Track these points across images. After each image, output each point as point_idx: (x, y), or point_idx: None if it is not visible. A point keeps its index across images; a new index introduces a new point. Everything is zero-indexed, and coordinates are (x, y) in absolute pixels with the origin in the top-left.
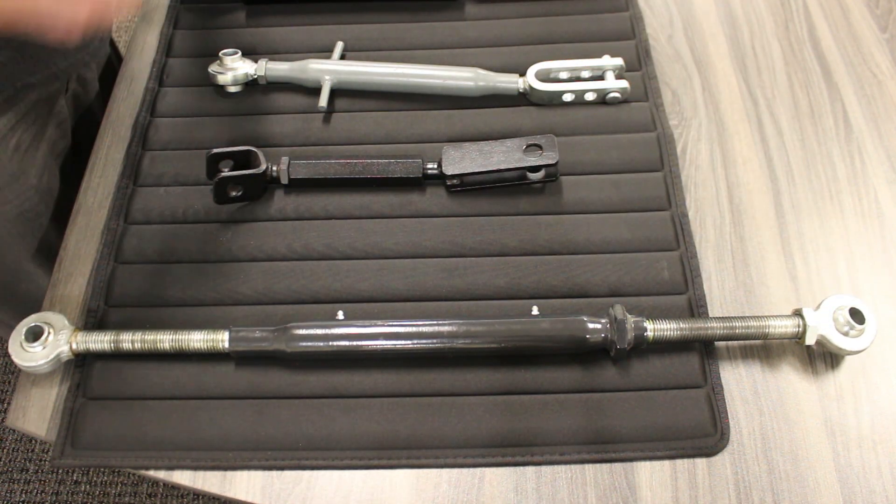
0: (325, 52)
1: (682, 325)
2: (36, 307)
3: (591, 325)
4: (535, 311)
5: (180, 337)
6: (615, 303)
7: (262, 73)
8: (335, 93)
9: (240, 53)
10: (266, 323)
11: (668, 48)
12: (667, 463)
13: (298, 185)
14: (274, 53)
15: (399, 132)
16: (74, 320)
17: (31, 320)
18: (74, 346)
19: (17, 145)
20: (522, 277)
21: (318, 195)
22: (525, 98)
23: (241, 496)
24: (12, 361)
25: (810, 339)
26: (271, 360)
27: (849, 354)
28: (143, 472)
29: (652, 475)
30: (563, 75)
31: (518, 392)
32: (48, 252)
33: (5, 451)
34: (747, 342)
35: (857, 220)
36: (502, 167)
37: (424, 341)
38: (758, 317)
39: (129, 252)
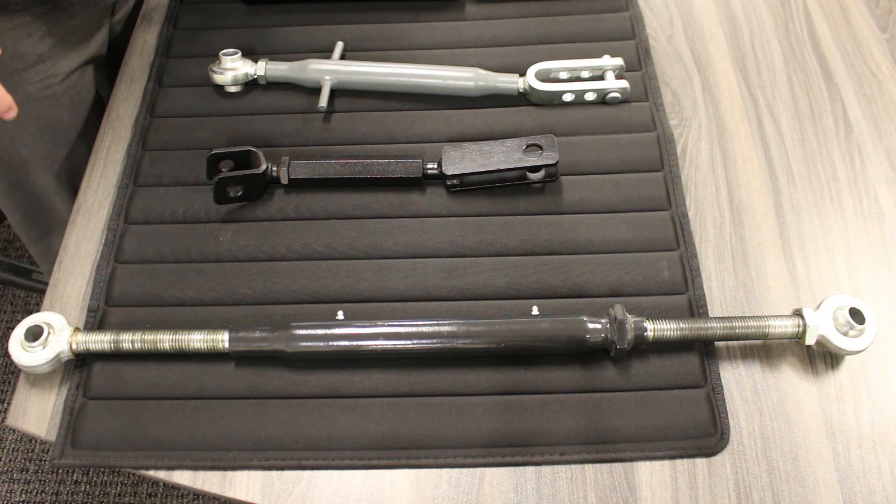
0: (325, 52)
1: (682, 325)
2: (61, 227)
3: (591, 325)
4: (535, 311)
5: (180, 337)
6: (615, 303)
7: (262, 73)
8: (335, 93)
9: (240, 53)
10: (266, 323)
11: (668, 48)
12: (667, 463)
13: (298, 185)
14: (274, 53)
15: (399, 132)
16: (74, 320)
17: (30, 320)
18: (74, 346)
19: (49, 32)
20: (522, 277)
21: (318, 195)
22: (525, 98)
23: (241, 496)
24: (12, 361)
25: (810, 339)
26: (271, 360)
27: (849, 354)
28: (143, 472)
29: (652, 475)
30: (563, 75)
31: (518, 392)
32: (74, 174)
33: (5, 451)
34: (747, 342)
35: (857, 220)
36: (502, 167)
37: (424, 341)
38: (758, 317)
39: (129, 252)
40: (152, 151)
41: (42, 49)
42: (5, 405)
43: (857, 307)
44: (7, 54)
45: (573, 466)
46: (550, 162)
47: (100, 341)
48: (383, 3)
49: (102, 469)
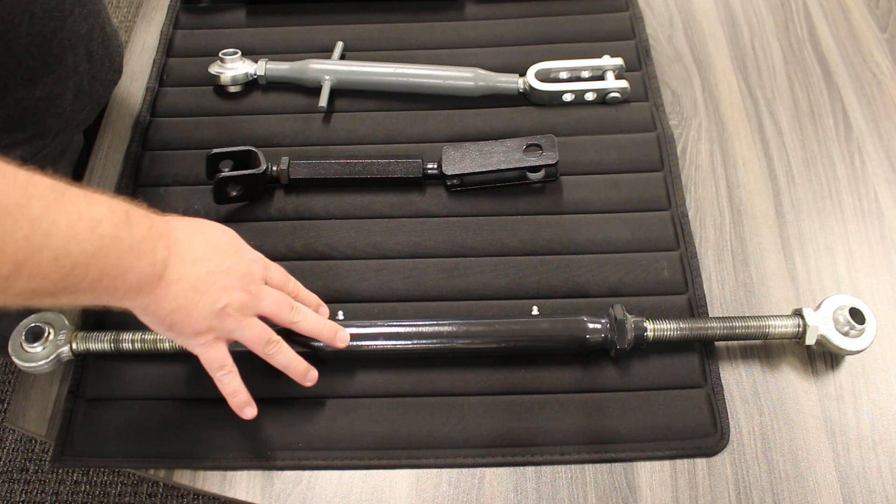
0: (325, 52)
1: (682, 325)
2: None
3: (591, 326)
4: (535, 311)
5: None
6: (615, 303)
7: (262, 73)
8: (335, 93)
9: (240, 53)
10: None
11: (668, 48)
12: (667, 463)
13: (298, 185)
14: (274, 53)
15: (399, 132)
16: (74, 320)
17: (31, 320)
18: (74, 347)
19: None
20: (522, 277)
21: (318, 195)
22: (525, 98)
23: (241, 496)
24: (12, 361)
25: (810, 339)
26: None
27: (849, 354)
28: (143, 472)
29: (652, 475)
30: (563, 75)
31: (518, 392)
32: None
33: (5, 451)
34: (747, 342)
35: (857, 220)
36: (502, 167)
37: (424, 341)
38: (758, 317)
39: None
40: (152, 151)
41: None
42: (5, 405)
43: (857, 307)
44: None
45: (573, 466)
46: (550, 162)
47: (100, 341)
48: (383, 3)
49: (102, 469)
